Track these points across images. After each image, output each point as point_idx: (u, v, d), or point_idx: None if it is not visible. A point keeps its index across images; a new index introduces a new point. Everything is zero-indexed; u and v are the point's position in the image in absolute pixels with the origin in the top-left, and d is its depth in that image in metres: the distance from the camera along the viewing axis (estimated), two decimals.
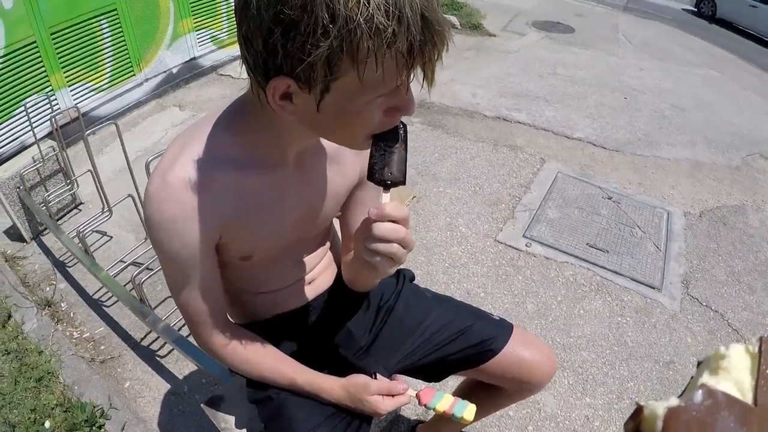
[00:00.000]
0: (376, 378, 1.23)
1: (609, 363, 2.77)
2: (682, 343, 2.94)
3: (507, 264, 3.32)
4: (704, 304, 3.24)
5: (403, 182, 0.93)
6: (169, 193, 0.91)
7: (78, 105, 4.11)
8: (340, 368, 1.29)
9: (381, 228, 0.88)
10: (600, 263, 3.40)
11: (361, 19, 0.66)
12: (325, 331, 1.41)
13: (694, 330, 3.04)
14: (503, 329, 1.50)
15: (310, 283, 1.34)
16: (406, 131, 0.92)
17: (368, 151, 0.92)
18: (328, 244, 1.38)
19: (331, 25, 0.66)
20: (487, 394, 1.63)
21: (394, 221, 0.89)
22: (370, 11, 0.66)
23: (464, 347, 1.46)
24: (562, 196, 4.05)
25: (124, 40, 4.56)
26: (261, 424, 1.31)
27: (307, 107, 0.80)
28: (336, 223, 1.39)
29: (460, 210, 3.78)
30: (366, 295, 1.46)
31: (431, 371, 1.53)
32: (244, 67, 0.82)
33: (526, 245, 3.47)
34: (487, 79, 6.30)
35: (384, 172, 0.91)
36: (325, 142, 1.11)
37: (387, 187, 0.92)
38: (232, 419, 1.53)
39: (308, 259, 1.30)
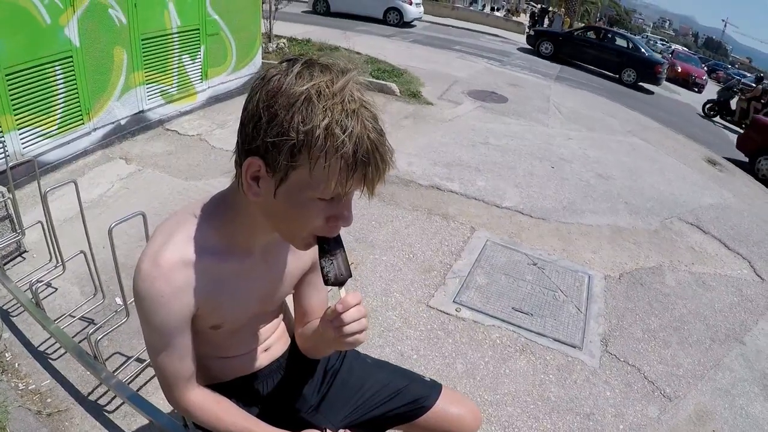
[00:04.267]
0: None
1: (533, 417, 2.92)
2: (600, 397, 3.13)
3: (438, 328, 3.47)
4: (622, 359, 3.45)
5: (351, 275, 1.16)
6: (159, 272, 1.09)
7: (27, 150, 4.15)
8: (294, 424, 1.43)
9: (349, 315, 1.12)
10: (525, 326, 3.58)
11: (322, 125, 0.90)
12: (279, 392, 1.58)
13: (612, 384, 3.24)
14: (433, 389, 1.70)
15: (266, 349, 1.53)
16: (340, 237, 1.14)
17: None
18: (281, 316, 1.60)
19: (301, 125, 0.91)
20: None
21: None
22: (330, 123, 0.91)
23: (400, 405, 1.66)
24: (490, 263, 4.25)
25: (77, 88, 4.58)
26: None
27: (268, 192, 1.01)
28: (288, 300, 1.59)
29: (395, 276, 3.92)
30: (315, 360, 1.64)
31: (372, 426, 1.71)
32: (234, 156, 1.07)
33: (456, 310, 3.64)
34: (422, 148, 6.56)
35: (336, 276, 1.14)
36: None
37: (341, 285, 1.14)
38: None
39: (266, 329, 1.51)
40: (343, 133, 0.91)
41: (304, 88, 0.92)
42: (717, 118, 16.30)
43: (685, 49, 32.81)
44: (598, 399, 3.12)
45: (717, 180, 7.79)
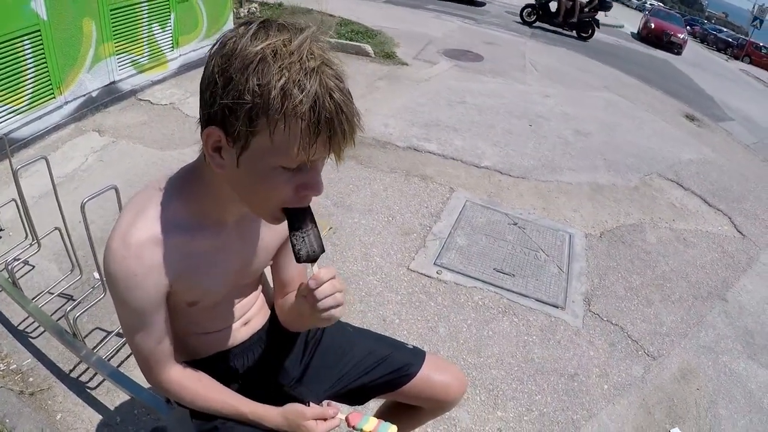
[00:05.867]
0: (309, 405, 1.35)
1: (518, 379, 2.90)
2: (585, 357, 3.11)
3: (420, 291, 3.42)
4: (605, 319, 3.43)
5: (324, 251, 1.10)
6: (129, 251, 1.04)
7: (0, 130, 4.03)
8: (277, 398, 1.39)
9: (322, 291, 1.07)
10: (506, 287, 3.54)
11: (278, 85, 0.83)
12: (260, 365, 1.53)
13: (596, 344, 3.22)
14: (417, 356, 1.67)
15: (246, 323, 1.47)
16: (311, 211, 1.09)
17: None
18: (260, 288, 1.53)
19: (256, 87, 0.84)
20: (406, 414, 1.78)
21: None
22: (287, 83, 0.84)
23: (384, 374, 1.63)
24: (470, 224, 4.19)
25: (46, 62, 4.46)
26: None
27: (231, 162, 0.95)
28: (267, 271, 1.53)
29: (375, 240, 3.85)
30: (296, 332, 1.58)
31: (355, 396, 1.69)
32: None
33: (437, 272, 3.58)
34: (399, 109, 6.45)
35: (309, 253, 1.08)
36: None
37: (314, 261, 1.09)
38: None
39: (244, 303, 1.45)
40: (301, 93, 0.84)
41: (259, 48, 0.85)
42: (537, 23, 16.06)
43: (661, 4, 32.07)
44: (582, 359, 3.10)
45: (696, 135, 7.78)
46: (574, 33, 15.53)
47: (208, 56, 0.92)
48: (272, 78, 0.83)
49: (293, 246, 1.07)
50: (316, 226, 1.10)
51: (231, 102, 0.87)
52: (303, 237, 1.07)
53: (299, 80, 0.84)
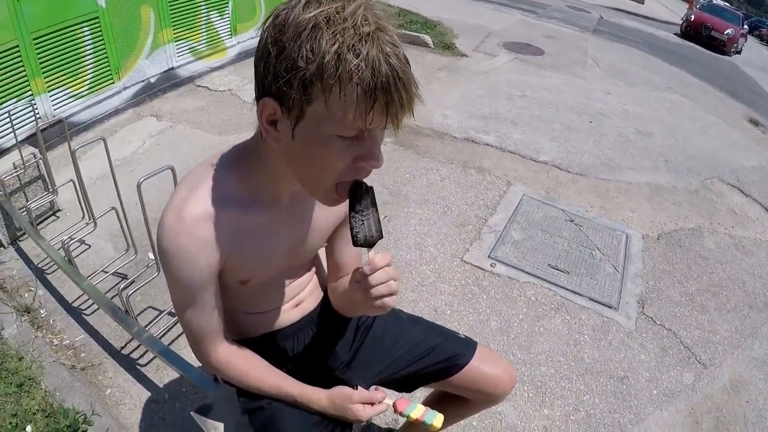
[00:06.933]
0: (357, 389, 1.37)
1: (566, 377, 2.90)
2: (635, 360, 3.09)
3: (473, 283, 3.44)
4: (658, 323, 3.39)
5: (382, 236, 1.09)
6: (183, 226, 1.05)
7: (58, 112, 4.18)
8: (324, 381, 1.42)
9: (376, 278, 1.06)
10: (560, 283, 3.54)
11: (332, 50, 0.83)
12: (310, 347, 1.56)
13: (647, 347, 3.19)
14: (468, 347, 1.67)
15: (297, 305, 1.50)
16: (374, 195, 1.07)
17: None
18: (314, 270, 1.56)
19: (310, 54, 0.84)
20: (453, 405, 1.78)
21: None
22: (341, 48, 0.83)
23: (434, 362, 1.63)
24: (527, 218, 4.18)
25: (105, 48, 4.56)
26: (252, 431, 1.45)
27: (286, 134, 0.95)
28: (321, 253, 1.54)
29: (429, 230, 3.88)
30: (348, 317, 1.59)
31: (404, 383, 1.70)
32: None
33: (491, 265, 3.60)
34: (457, 100, 6.43)
35: (366, 237, 1.07)
36: None
37: (371, 246, 1.08)
38: (221, 426, 1.63)
39: (297, 284, 1.47)
40: (356, 58, 0.83)
41: (311, 15, 0.85)
42: None
43: (727, 3, 30.67)
44: (632, 362, 3.08)
45: (759, 141, 7.54)
46: None
47: (262, 29, 0.93)
48: (326, 43, 0.83)
49: (351, 228, 1.06)
50: (377, 211, 1.09)
51: (284, 70, 0.87)
52: (363, 220, 1.06)
53: (354, 45, 0.83)
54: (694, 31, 17.85)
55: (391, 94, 0.87)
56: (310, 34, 0.84)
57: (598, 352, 3.10)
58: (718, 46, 17.10)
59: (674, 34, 18.58)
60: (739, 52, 18.36)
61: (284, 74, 0.87)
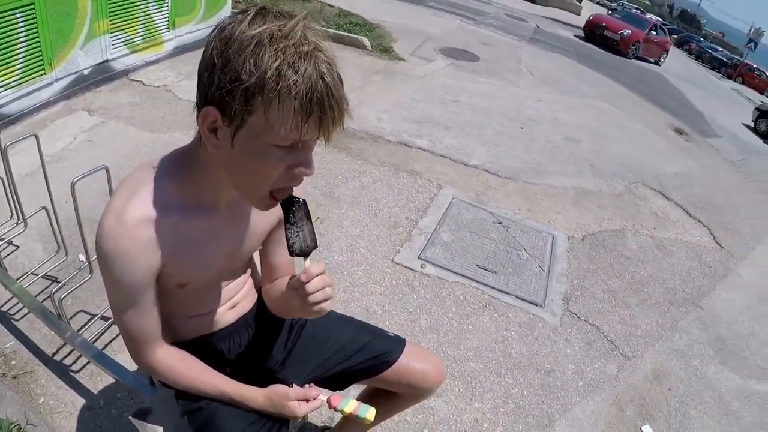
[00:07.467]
0: (292, 387, 1.40)
1: (495, 372, 2.96)
2: (561, 354, 3.19)
3: (403, 284, 3.47)
4: (582, 318, 3.51)
5: (317, 246, 1.18)
6: (124, 229, 1.06)
7: None
8: (263, 381, 1.44)
9: (313, 285, 1.13)
10: (488, 283, 3.61)
11: (273, 66, 0.89)
12: (246, 348, 1.58)
13: (572, 342, 3.30)
14: (397, 344, 1.72)
15: (233, 306, 1.51)
16: (306, 207, 1.16)
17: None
18: (249, 272, 1.57)
19: (253, 68, 0.89)
20: (385, 400, 1.82)
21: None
22: (281, 65, 0.89)
23: (364, 360, 1.68)
24: (456, 221, 4.25)
25: (38, 37, 4.34)
26: None
27: (226, 142, 0.99)
28: (256, 256, 1.57)
29: (361, 232, 3.89)
30: (282, 318, 1.63)
31: (337, 381, 1.73)
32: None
33: (421, 266, 3.64)
34: (393, 104, 6.47)
35: (302, 247, 1.16)
36: None
37: (306, 256, 1.16)
38: (160, 429, 1.62)
39: (233, 286, 1.49)
40: (295, 74, 0.90)
41: (256, 32, 0.91)
42: None
43: (655, 16, 31.73)
44: (558, 356, 3.17)
45: (683, 149, 7.89)
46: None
47: (207, 41, 0.97)
48: (268, 59, 0.89)
49: (287, 239, 1.14)
50: (311, 222, 1.17)
51: (228, 82, 0.91)
52: (298, 231, 1.14)
53: (293, 62, 0.89)
54: (590, 31, 18.82)
55: (324, 109, 0.93)
56: (254, 49, 0.90)
57: (525, 347, 3.18)
58: (612, 45, 17.91)
59: (575, 36, 19.08)
60: (658, 63, 19.30)
61: (228, 85, 0.92)
